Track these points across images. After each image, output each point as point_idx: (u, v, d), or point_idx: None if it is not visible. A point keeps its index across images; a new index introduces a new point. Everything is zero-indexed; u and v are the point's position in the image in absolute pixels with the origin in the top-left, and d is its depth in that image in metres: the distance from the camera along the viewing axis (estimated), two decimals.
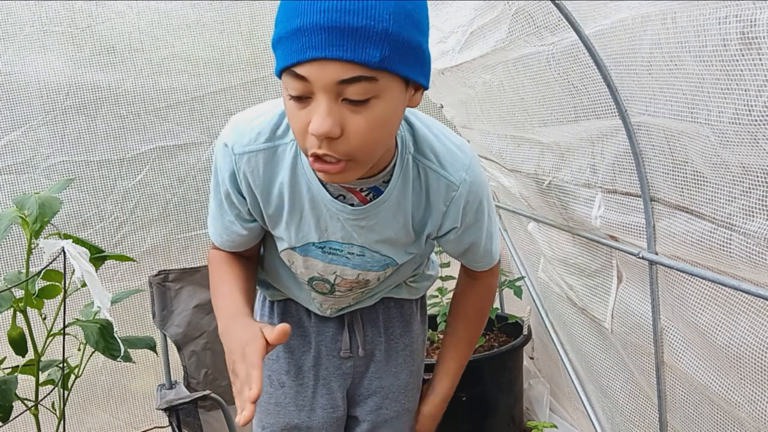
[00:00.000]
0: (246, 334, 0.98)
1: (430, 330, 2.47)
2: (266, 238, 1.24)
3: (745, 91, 1.00)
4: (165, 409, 1.69)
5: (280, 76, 0.90)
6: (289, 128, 1.05)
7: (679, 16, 1.08)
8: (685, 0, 1.05)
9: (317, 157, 0.89)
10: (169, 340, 1.95)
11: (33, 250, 1.61)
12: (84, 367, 1.80)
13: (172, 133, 2.43)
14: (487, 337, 2.61)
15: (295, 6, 0.84)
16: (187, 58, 2.41)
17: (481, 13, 1.76)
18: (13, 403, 1.62)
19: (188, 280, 1.98)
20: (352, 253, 1.15)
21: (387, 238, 1.13)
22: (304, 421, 1.34)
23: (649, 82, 1.28)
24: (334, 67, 0.82)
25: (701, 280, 1.36)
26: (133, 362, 1.79)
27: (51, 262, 1.58)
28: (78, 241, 1.67)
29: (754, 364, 1.25)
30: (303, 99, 0.87)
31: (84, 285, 1.60)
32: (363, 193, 1.08)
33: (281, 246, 1.18)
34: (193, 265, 2.02)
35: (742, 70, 0.99)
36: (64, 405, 1.74)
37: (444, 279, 2.34)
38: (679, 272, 1.43)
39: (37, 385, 1.70)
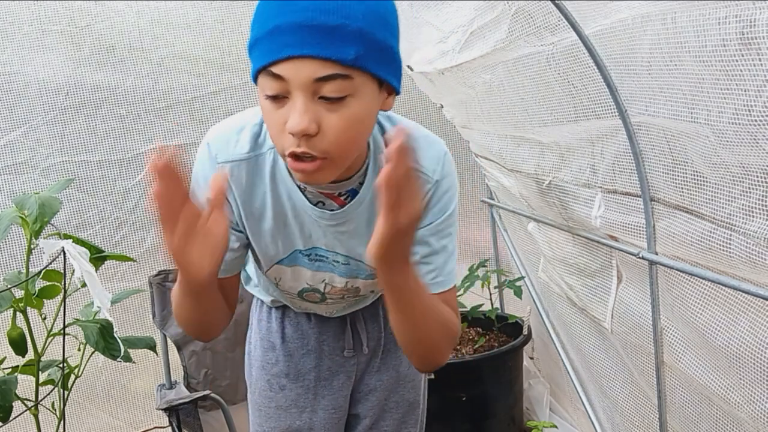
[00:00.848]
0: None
1: None
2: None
3: (745, 91, 1.00)
4: (165, 409, 1.69)
5: (256, 80, 0.92)
6: (267, 137, 1.05)
7: (679, 16, 1.08)
8: (685, 0, 1.05)
9: (295, 156, 0.90)
10: (169, 340, 1.95)
11: (33, 250, 1.61)
12: (84, 367, 1.80)
13: (172, 133, 2.43)
14: (487, 337, 2.61)
15: (270, 8, 0.86)
16: (187, 57, 2.41)
17: (481, 13, 1.76)
18: (13, 403, 1.62)
19: None
20: (338, 261, 1.15)
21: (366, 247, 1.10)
22: (305, 422, 1.34)
23: (648, 82, 1.28)
24: (310, 65, 0.84)
25: (701, 280, 1.36)
26: (133, 362, 1.79)
27: (51, 262, 1.58)
28: (78, 241, 1.67)
29: (754, 364, 1.25)
30: (279, 99, 0.88)
31: (84, 285, 1.60)
32: (342, 198, 1.08)
33: (266, 264, 1.16)
34: None
35: (741, 71, 0.99)
36: (64, 405, 1.74)
37: None
38: (679, 272, 1.43)
39: (37, 385, 1.70)
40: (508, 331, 2.60)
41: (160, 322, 1.93)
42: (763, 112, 0.98)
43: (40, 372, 1.70)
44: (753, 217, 1.12)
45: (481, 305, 2.57)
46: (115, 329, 1.71)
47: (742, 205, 1.14)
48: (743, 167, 1.10)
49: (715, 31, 1.00)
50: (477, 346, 2.55)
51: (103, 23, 2.31)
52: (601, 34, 1.34)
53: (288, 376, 1.34)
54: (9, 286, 1.61)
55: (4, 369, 1.74)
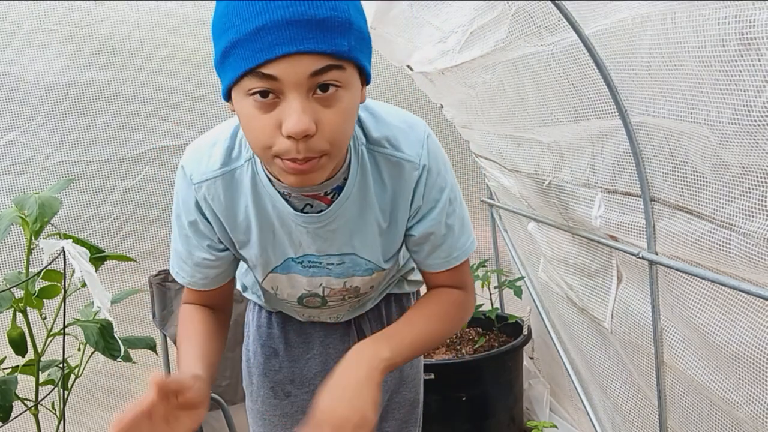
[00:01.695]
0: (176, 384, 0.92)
1: None
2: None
3: (744, 91, 1.00)
4: None
5: (229, 89, 0.88)
6: (242, 149, 1.03)
7: (679, 16, 1.08)
8: (685, 0, 1.05)
9: (292, 160, 0.86)
10: (169, 340, 1.95)
11: (33, 250, 1.61)
12: (84, 367, 1.80)
13: (172, 133, 2.43)
14: (487, 337, 2.61)
15: (249, 6, 0.82)
16: (188, 57, 2.41)
17: (481, 13, 1.76)
18: (13, 403, 1.62)
19: None
20: (332, 264, 1.13)
21: (362, 239, 1.10)
22: None
23: (648, 83, 1.28)
24: (305, 60, 0.81)
25: (701, 280, 1.36)
26: (133, 362, 1.78)
27: (51, 262, 1.58)
28: (78, 241, 1.67)
29: (753, 364, 1.25)
30: (269, 102, 0.84)
31: (84, 285, 1.60)
32: (328, 197, 1.05)
33: (261, 274, 1.15)
34: None
35: (741, 71, 0.99)
36: (64, 405, 1.74)
37: None
38: (678, 272, 1.43)
39: (37, 385, 1.70)
40: (508, 331, 2.60)
41: (160, 322, 1.93)
42: (763, 113, 0.98)
43: (40, 372, 1.70)
44: (753, 217, 1.12)
45: (481, 305, 2.57)
46: (115, 329, 1.71)
47: (742, 205, 1.14)
48: (743, 167, 1.10)
49: (715, 31, 1.00)
50: (477, 346, 2.55)
51: (103, 23, 2.31)
52: (601, 34, 1.34)
53: (293, 383, 1.32)
54: (9, 286, 1.61)
55: (4, 369, 1.74)
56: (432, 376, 2.21)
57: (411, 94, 2.60)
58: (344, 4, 0.83)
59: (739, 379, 1.31)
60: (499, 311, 2.67)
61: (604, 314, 1.85)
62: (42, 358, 1.70)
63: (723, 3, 0.97)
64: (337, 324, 1.33)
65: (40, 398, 1.69)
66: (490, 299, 2.58)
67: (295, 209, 1.04)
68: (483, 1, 1.71)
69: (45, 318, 1.73)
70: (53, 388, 1.73)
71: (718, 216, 1.21)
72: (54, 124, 2.32)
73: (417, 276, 1.35)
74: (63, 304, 1.64)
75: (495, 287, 2.62)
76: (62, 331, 1.64)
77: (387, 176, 1.05)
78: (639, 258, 1.54)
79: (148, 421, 0.87)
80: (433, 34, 2.04)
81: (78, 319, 1.75)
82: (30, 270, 1.64)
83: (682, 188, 1.32)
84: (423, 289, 1.43)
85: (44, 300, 1.71)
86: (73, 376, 1.79)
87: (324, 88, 0.84)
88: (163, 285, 1.94)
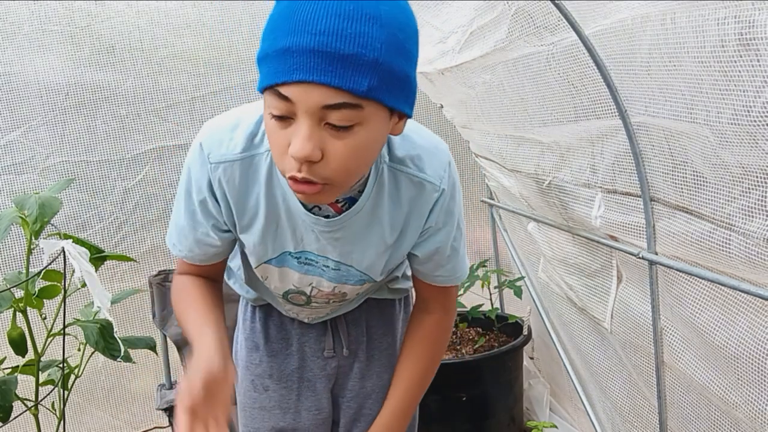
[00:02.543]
0: (218, 363, 0.98)
1: None
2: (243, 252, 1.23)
3: (744, 92, 1.00)
4: (165, 409, 1.69)
5: (262, 92, 0.89)
6: (264, 137, 1.03)
7: (679, 16, 1.08)
8: (685, 0, 1.05)
9: (295, 180, 0.88)
10: (169, 340, 1.95)
11: (33, 250, 1.61)
12: (84, 367, 1.80)
13: (172, 133, 2.43)
14: (487, 337, 2.61)
15: (284, 24, 0.82)
16: (188, 57, 2.41)
17: (481, 13, 1.76)
18: (13, 403, 1.62)
19: None
20: (327, 266, 1.14)
21: (362, 252, 1.11)
22: (289, 423, 1.32)
23: (648, 83, 1.28)
24: (320, 91, 0.81)
25: (701, 280, 1.36)
26: (133, 362, 1.79)
27: (51, 262, 1.58)
28: (78, 242, 1.67)
29: (752, 364, 1.25)
30: (285, 119, 0.86)
31: (84, 285, 1.61)
32: (339, 204, 1.06)
33: (254, 262, 1.16)
34: None
35: (740, 71, 0.99)
36: (64, 405, 1.74)
37: None
38: (678, 272, 1.43)
39: (37, 385, 1.70)
40: (508, 331, 2.60)
41: (160, 322, 1.93)
42: (763, 113, 0.98)
43: (40, 372, 1.71)
44: (752, 217, 1.12)
45: (481, 305, 2.57)
46: (115, 329, 1.71)
47: (742, 205, 1.14)
48: (743, 167, 1.10)
49: (714, 31, 1.00)
50: (477, 346, 2.55)
51: (103, 23, 2.31)
52: (601, 34, 1.34)
53: (272, 377, 1.32)
54: (9, 286, 1.61)
55: (4, 369, 1.74)
56: None
57: None
58: (377, 42, 0.81)
59: (738, 379, 1.31)
60: (499, 311, 2.67)
61: (604, 314, 1.85)
62: (42, 358, 1.71)
63: (723, 3, 0.97)
64: (314, 324, 1.33)
65: (40, 398, 1.69)
66: (490, 299, 2.58)
67: (305, 207, 1.05)
68: (483, 1, 1.72)
69: (45, 318, 1.73)
70: (53, 388, 1.73)
71: (718, 216, 1.21)
72: (54, 124, 2.32)
73: (400, 284, 1.35)
74: (63, 304, 1.64)
75: (495, 287, 2.62)
76: (62, 331, 1.64)
77: (405, 195, 1.07)
78: (639, 258, 1.54)
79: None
80: (433, 35, 2.04)
81: (78, 319, 1.75)
82: (30, 270, 1.64)
83: (682, 188, 1.32)
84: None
85: (44, 300, 1.71)
86: (73, 376, 1.79)
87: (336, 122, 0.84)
88: (163, 285, 1.94)
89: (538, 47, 1.60)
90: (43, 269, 1.61)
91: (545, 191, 1.96)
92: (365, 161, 0.92)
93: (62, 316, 1.63)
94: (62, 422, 1.74)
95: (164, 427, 2.52)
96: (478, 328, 2.68)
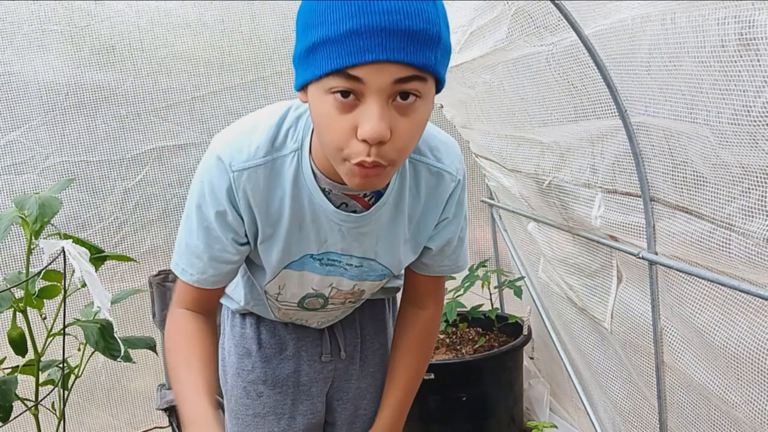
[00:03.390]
0: None
1: None
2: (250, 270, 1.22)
3: (744, 91, 1.00)
4: (165, 409, 1.69)
5: (307, 82, 0.88)
6: (287, 139, 1.02)
7: (679, 16, 1.08)
8: (685, 0, 1.05)
9: (360, 164, 0.87)
10: None
11: (33, 250, 1.61)
12: (84, 367, 1.80)
13: (172, 133, 2.43)
14: (487, 337, 2.61)
15: (343, 7, 0.81)
16: (188, 57, 2.41)
17: (481, 13, 1.76)
18: (13, 403, 1.62)
19: None
20: (351, 264, 1.14)
21: (387, 245, 1.12)
22: (284, 429, 1.31)
23: (648, 83, 1.28)
24: (392, 67, 0.82)
25: (701, 280, 1.36)
26: (133, 362, 1.79)
27: (51, 262, 1.58)
28: (78, 242, 1.67)
29: (752, 364, 1.25)
30: (348, 103, 0.85)
31: (84, 285, 1.61)
32: (366, 199, 1.07)
33: (271, 272, 1.14)
34: None
35: (740, 71, 0.99)
36: (64, 405, 1.74)
37: None
38: (678, 272, 1.43)
39: (37, 385, 1.70)
40: (508, 331, 2.60)
41: (160, 322, 1.93)
42: (763, 113, 0.98)
43: (40, 372, 1.71)
44: (752, 217, 1.12)
45: (481, 305, 2.58)
46: (115, 329, 1.71)
47: (742, 205, 1.14)
48: (743, 167, 1.10)
49: (714, 31, 1.00)
50: (477, 346, 2.55)
51: (103, 23, 2.31)
52: (601, 35, 1.34)
53: (265, 383, 1.31)
54: (9, 286, 1.61)
55: (4, 369, 1.74)
56: (432, 376, 2.21)
57: None
58: (437, 17, 0.83)
59: (738, 379, 1.31)
60: (499, 311, 2.67)
61: (604, 314, 1.85)
62: (42, 358, 1.71)
63: (723, 3, 0.97)
64: (310, 328, 1.32)
65: (40, 398, 1.69)
66: (490, 299, 2.58)
67: (333, 205, 1.05)
68: (483, 1, 1.72)
69: (45, 318, 1.73)
70: (53, 388, 1.73)
71: (718, 216, 1.22)
72: (54, 124, 2.32)
73: (393, 283, 1.35)
74: (63, 304, 1.64)
75: (495, 287, 2.62)
76: (62, 331, 1.64)
77: (424, 186, 1.09)
78: (639, 258, 1.54)
79: None
80: None
81: (78, 319, 1.75)
82: (30, 270, 1.64)
83: (682, 188, 1.32)
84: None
85: (44, 300, 1.71)
86: (73, 376, 1.79)
87: (404, 96, 0.85)
88: (163, 285, 1.94)
89: (538, 47, 1.60)
90: (43, 269, 1.61)
91: (545, 191, 1.96)
92: (419, 137, 0.92)
93: (62, 316, 1.63)
94: (62, 422, 1.74)
95: (164, 427, 2.52)
96: (478, 328, 2.68)
